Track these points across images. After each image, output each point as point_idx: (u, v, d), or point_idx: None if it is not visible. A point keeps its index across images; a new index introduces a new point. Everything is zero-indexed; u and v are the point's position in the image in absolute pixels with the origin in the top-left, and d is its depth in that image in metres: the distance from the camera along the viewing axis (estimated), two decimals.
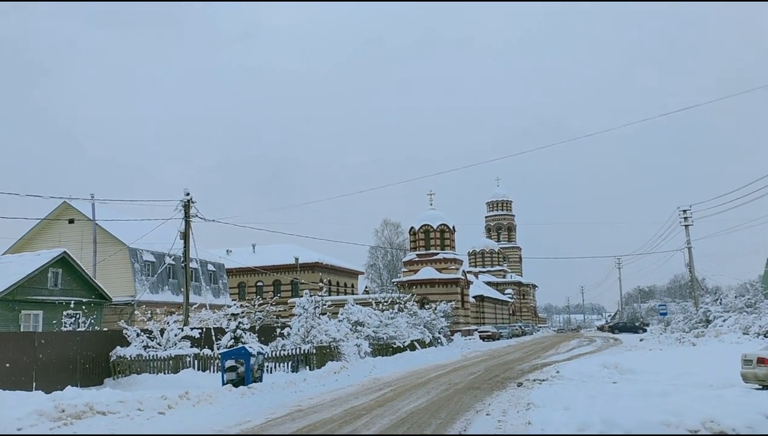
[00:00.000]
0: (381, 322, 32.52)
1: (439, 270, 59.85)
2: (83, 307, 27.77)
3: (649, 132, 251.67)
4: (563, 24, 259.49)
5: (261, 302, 44.25)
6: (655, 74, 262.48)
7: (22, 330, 25.32)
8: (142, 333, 22.08)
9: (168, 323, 22.94)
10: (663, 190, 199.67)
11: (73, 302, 27.35)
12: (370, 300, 40.38)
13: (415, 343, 34.50)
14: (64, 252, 28.46)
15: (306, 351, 22.52)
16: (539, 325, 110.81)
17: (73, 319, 27.53)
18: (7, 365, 17.43)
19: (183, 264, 25.77)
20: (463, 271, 63.61)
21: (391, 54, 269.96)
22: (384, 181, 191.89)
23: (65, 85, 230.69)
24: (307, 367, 21.93)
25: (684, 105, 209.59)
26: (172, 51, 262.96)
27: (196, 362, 20.97)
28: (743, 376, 14.52)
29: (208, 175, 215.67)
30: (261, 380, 18.32)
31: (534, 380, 18.33)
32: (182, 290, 27.11)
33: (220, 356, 18.87)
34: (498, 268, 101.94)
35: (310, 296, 25.75)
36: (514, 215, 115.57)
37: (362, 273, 78.36)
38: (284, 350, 22.65)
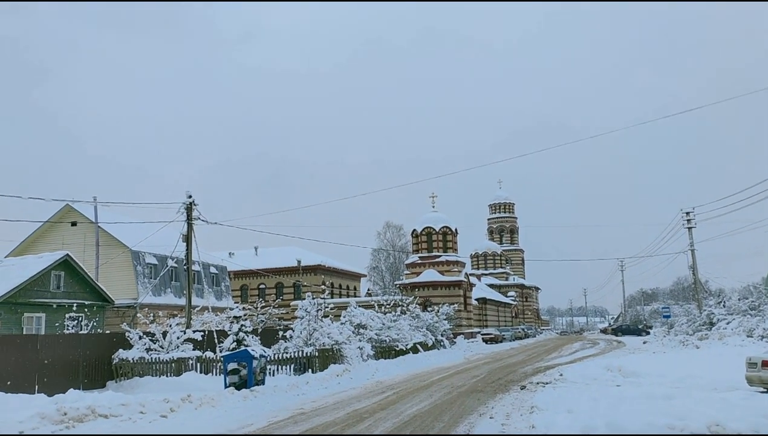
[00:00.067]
0: (383, 324, 32.48)
1: (442, 272, 59.78)
2: (86, 310, 27.77)
3: (649, 132, 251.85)
4: (563, 24, 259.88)
5: (263, 304, 44.25)
6: (655, 74, 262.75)
7: (24, 333, 25.33)
8: (145, 336, 22.07)
9: (170, 325, 22.93)
10: (665, 190, 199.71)
11: (75, 304, 27.37)
12: (373, 303, 40.32)
13: (418, 346, 34.44)
14: (67, 255, 28.47)
15: (308, 354, 22.48)
16: (542, 327, 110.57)
17: (76, 322, 27.54)
18: (10, 368, 17.42)
19: (185, 267, 25.76)
20: (466, 273, 63.53)
21: (391, 54, 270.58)
22: (384, 181, 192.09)
23: (66, 86, 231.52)
24: (310, 370, 21.88)
25: (683, 104, 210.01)
26: (173, 51, 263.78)
27: (198, 364, 20.95)
28: (748, 379, 14.44)
29: (208, 176, 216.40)
30: (263, 383, 18.29)
31: (537, 383, 18.26)
32: (185, 292, 27.10)
33: (222, 358, 18.84)
34: (500, 270, 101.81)
35: (313, 298, 25.72)
36: (516, 217, 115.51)
37: (365, 276, 78.31)
38: (287, 353, 22.61)
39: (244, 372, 17.74)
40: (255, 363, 17.99)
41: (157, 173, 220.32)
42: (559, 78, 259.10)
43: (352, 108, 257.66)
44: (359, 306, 33.39)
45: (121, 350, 21.48)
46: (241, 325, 22.22)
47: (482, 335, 58.25)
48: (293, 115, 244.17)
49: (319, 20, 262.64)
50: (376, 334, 30.85)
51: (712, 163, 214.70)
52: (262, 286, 65.54)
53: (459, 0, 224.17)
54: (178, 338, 22.24)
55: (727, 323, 38.56)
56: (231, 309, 26.38)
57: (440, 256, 60.83)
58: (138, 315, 29.96)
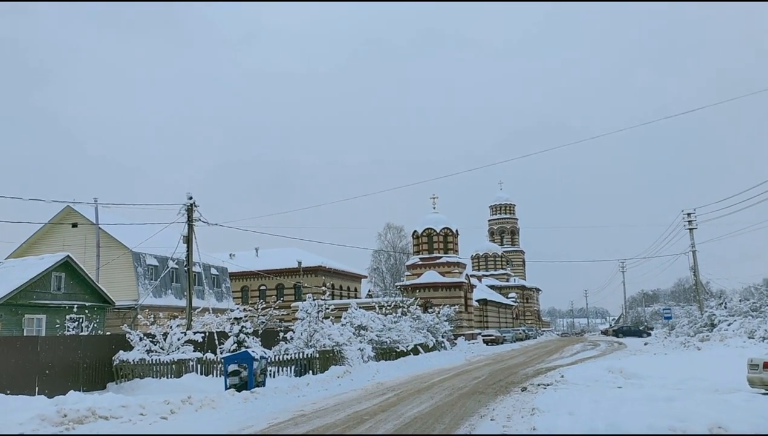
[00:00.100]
0: (384, 326, 32.45)
1: (443, 274, 59.74)
2: (86, 311, 27.77)
3: (650, 132, 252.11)
4: (563, 24, 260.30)
5: (264, 305, 44.12)
6: (654, 74, 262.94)
7: (25, 334, 25.34)
8: (145, 337, 22.05)
9: (171, 327, 22.92)
10: (666, 191, 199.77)
11: (76, 306, 27.36)
12: (374, 304, 40.28)
13: (419, 347, 34.41)
14: (68, 256, 28.49)
15: (309, 355, 22.45)
16: (543, 329, 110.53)
17: (77, 323, 27.53)
18: (10, 369, 17.41)
19: (186, 268, 25.75)
20: (467, 274, 63.49)
21: (391, 54, 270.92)
22: (384, 182, 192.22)
23: (66, 87, 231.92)
24: (311, 371, 21.85)
25: (684, 104, 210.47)
26: (173, 52, 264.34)
27: (199, 366, 20.93)
28: (750, 381, 14.39)
29: (208, 177, 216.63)
30: (264, 385, 18.26)
31: (538, 385, 18.22)
32: (185, 293, 27.09)
33: (222, 360, 18.81)
34: (501, 271, 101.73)
35: (313, 299, 25.69)
36: (517, 219, 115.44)
37: (365, 277, 78.32)
38: (287, 355, 22.57)
39: (244, 374, 17.72)
40: (255, 365, 17.96)
41: (156, 174, 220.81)
42: (559, 78, 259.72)
43: (352, 109, 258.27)
44: (360, 307, 33.35)
45: (121, 352, 21.47)
46: (242, 326, 22.18)
47: (483, 336, 58.22)
48: (293, 116, 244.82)
49: (319, 21, 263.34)
50: (376, 335, 30.81)
51: (712, 164, 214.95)
52: (262, 287, 65.52)
53: (459, 0, 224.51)
54: (178, 339, 22.23)
55: (729, 325, 38.50)
56: (232, 310, 26.35)
57: (441, 257, 60.80)
58: (138, 316, 29.90)
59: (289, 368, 21.90)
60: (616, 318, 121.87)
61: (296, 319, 26.06)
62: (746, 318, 37.81)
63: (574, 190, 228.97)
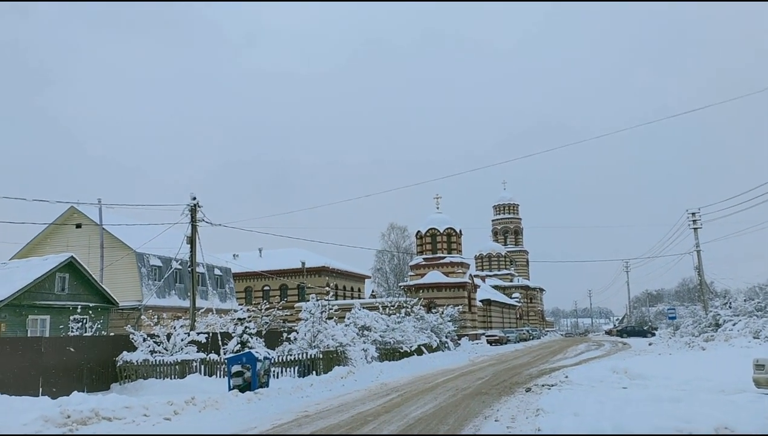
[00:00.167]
0: (388, 326, 32.41)
1: (446, 274, 59.68)
2: (90, 312, 27.78)
3: (652, 132, 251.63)
4: (563, 24, 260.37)
5: (267, 306, 44.14)
6: (655, 74, 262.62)
7: (29, 335, 25.36)
8: (149, 338, 22.05)
9: (174, 327, 22.91)
10: (669, 190, 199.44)
11: (80, 306, 27.38)
12: (377, 304, 40.25)
13: (423, 347, 34.36)
14: (71, 257, 28.51)
15: (313, 356, 22.42)
16: (547, 329, 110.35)
17: (80, 324, 27.56)
18: (14, 370, 17.43)
19: (189, 268, 25.75)
20: (470, 275, 63.42)
21: (391, 54, 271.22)
22: (385, 181, 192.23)
23: (67, 88, 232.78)
24: (314, 372, 21.83)
25: (684, 104, 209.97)
26: (174, 53, 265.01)
27: (202, 366, 20.92)
28: (755, 381, 14.30)
29: (209, 178, 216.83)
30: (267, 385, 18.23)
31: (543, 385, 18.16)
32: (189, 294, 27.09)
33: (226, 361, 18.79)
34: (505, 271, 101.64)
35: (317, 300, 25.67)
36: (520, 218, 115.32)
37: (369, 277, 78.33)
38: (291, 355, 22.55)
39: (248, 374, 17.69)
40: (259, 365, 17.94)
41: (156, 175, 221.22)
42: (559, 78, 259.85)
43: (352, 109, 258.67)
44: (363, 308, 33.33)
45: (125, 352, 21.46)
46: (245, 327, 22.18)
47: (487, 336, 58.15)
48: (293, 116, 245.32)
49: (319, 21, 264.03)
50: (380, 336, 30.77)
51: (713, 164, 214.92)
52: (266, 288, 65.55)
53: (459, 0, 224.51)
54: (182, 340, 22.22)
55: (733, 325, 38.36)
56: (235, 311, 26.33)
57: (444, 257, 60.73)
58: (142, 317, 29.97)
59: (292, 368, 21.89)
60: (620, 318, 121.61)
61: (300, 319, 26.05)
62: (751, 318, 37.67)
63: (575, 191, 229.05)
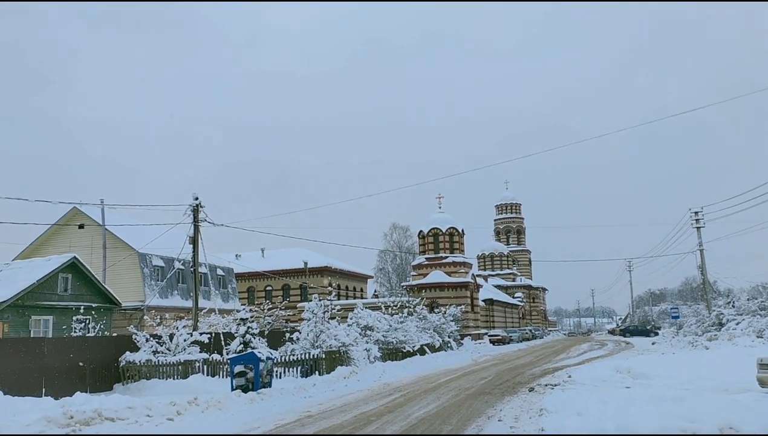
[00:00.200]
0: (390, 326, 32.38)
1: (449, 274, 59.64)
2: (93, 312, 27.82)
3: (651, 132, 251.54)
4: (563, 24, 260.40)
5: (270, 306, 44.23)
6: (655, 74, 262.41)
7: (32, 335, 25.39)
8: (152, 338, 22.06)
9: (177, 327, 22.93)
10: (669, 189, 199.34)
11: (83, 307, 27.42)
12: (380, 304, 40.22)
13: (425, 347, 34.32)
14: (74, 257, 28.54)
15: (315, 356, 22.41)
16: (549, 328, 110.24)
17: (83, 324, 27.59)
18: (17, 370, 17.45)
19: (192, 269, 25.75)
20: (473, 274, 63.36)
21: (392, 54, 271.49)
22: (386, 181, 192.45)
23: (69, 89, 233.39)
24: (317, 372, 21.81)
25: (684, 104, 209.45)
26: (175, 54, 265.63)
27: (205, 367, 20.91)
28: (760, 381, 14.25)
29: (209, 177, 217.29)
30: (270, 386, 18.22)
31: (546, 385, 18.11)
32: (191, 294, 27.09)
33: (229, 361, 18.79)
34: (507, 271, 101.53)
35: (319, 300, 25.65)
36: (523, 218, 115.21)
37: (371, 277, 78.30)
38: (293, 355, 22.54)
39: (250, 375, 17.68)
40: (262, 365, 17.93)
41: (157, 175, 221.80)
42: (560, 78, 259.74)
43: (353, 109, 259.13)
44: (366, 308, 33.28)
45: (128, 353, 21.48)
46: (248, 327, 22.18)
47: (489, 336, 58.08)
48: (293, 116, 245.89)
49: (319, 22, 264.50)
50: (383, 335, 30.74)
51: (714, 163, 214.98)
52: (268, 288, 65.56)
53: (459, 0, 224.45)
54: (185, 340, 22.22)
55: (737, 324, 38.23)
56: (238, 311, 26.35)
57: (447, 257, 60.69)
58: (145, 317, 29.99)
59: (295, 368, 21.87)
60: (623, 317, 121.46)
61: (302, 319, 26.03)
62: (755, 317, 37.53)
63: (576, 190, 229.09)
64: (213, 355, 21.49)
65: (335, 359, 23.39)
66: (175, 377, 20.62)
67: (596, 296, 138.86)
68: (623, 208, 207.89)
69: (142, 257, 37.52)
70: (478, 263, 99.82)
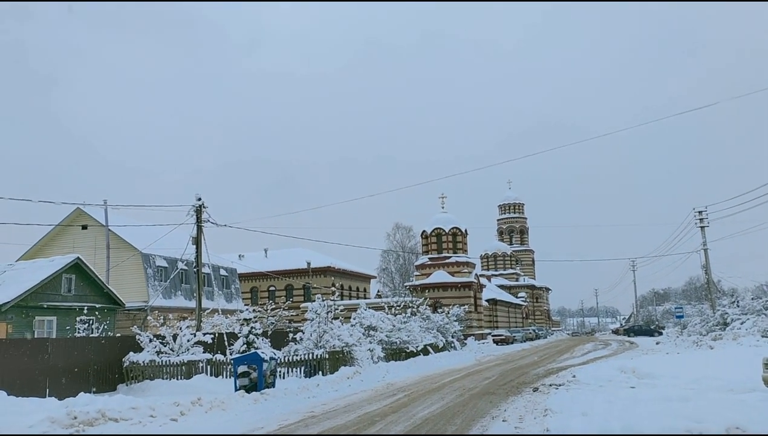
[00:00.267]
0: (394, 326, 32.32)
1: (452, 274, 59.58)
2: (96, 313, 27.85)
3: (651, 132, 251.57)
4: (563, 24, 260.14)
5: (273, 306, 44.18)
6: (654, 74, 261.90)
7: (35, 336, 25.39)
8: (155, 339, 22.05)
9: (181, 328, 22.92)
10: (670, 188, 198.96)
11: (86, 307, 27.43)
12: (383, 304, 40.19)
13: (429, 347, 34.26)
14: (78, 258, 28.56)
15: (319, 356, 22.37)
16: (553, 328, 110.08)
17: (87, 325, 27.61)
18: (21, 371, 17.44)
19: (195, 269, 25.74)
20: (476, 274, 63.31)
21: (392, 55, 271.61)
22: (386, 181, 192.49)
23: (71, 89, 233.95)
24: (320, 372, 21.77)
25: (684, 103, 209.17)
26: (175, 54, 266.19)
27: (208, 367, 20.90)
28: (765, 380, 14.14)
29: (210, 177, 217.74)
30: (274, 386, 18.19)
31: (550, 385, 18.05)
32: (195, 295, 27.09)
33: (232, 361, 18.75)
34: (511, 271, 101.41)
35: (323, 300, 25.61)
36: (526, 218, 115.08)
37: (374, 277, 78.22)
38: (297, 356, 22.51)
39: (254, 375, 17.65)
40: (265, 366, 17.90)
41: (158, 175, 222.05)
42: (560, 78, 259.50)
43: (354, 109, 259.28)
44: (369, 308, 33.23)
45: (131, 353, 21.48)
46: (251, 327, 22.13)
47: (493, 336, 58.00)
48: (294, 116, 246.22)
49: (319, 22, 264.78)
50: (386, 336, 30.69)
51: (713, 163, 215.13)
52: (272, 288, 65.57)
53: (459, 0, 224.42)
54: (188, 340, 22.22)
55: (741, 323, 38.11)
56: (241, 311, 26.33)
57: (450, 257, 60.64)
58: (148, 318, 30.01)
59: (298, 369, 21.84)
60: (627, 317, 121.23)
61: (305, 320, 26.00)
62: (759, 317, 37.39)
63: (578, 190, 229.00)
64: (216, 355, 21.47)
65: (339, 359, 23.36)
66: (179, 377, 20.61)
67: (600, 296, 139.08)
68: (625, 208, 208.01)
69: (145, 258, 37.53)
70: (481, 263, 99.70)
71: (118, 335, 26.75)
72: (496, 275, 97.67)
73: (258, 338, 21.85)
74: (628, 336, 67.60)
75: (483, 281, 71.69)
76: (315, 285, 60.54)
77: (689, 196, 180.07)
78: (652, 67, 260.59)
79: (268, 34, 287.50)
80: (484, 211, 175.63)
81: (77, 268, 28.52)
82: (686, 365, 21.41)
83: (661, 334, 62.74)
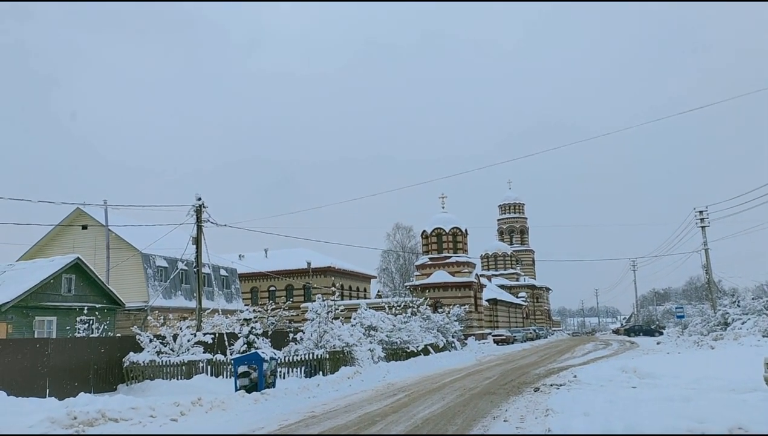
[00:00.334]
0: (394, 326, 32.29)
1: (452, 274, 59.54)
2: (96, 313, 27.81)
3: (651, 132, 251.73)
4: (563, 24, 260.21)
5: (274, 306, 44.08)
6: (654, 74, 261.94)
7: (35, 336, 25.36)
8: (155, 339, 22.01)
9: (181, 328, 22.88)
10: (671, 188, 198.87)
11: (86, 307, 27.39)
12: (383, 304, 40.15)
13: (429, 347, 34.23)
14: (78, 258, 28.52)
15: (319, 356, 22.34)
16: (553, 328, 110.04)
17: (87, 325, 27.56)
18: (21, 371, 17.40)
19: (195, 269, 25.70)
20: (476, 274, 63.27)
21: (392, 55, 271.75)
22: (390, 181, 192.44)
23: (72, 90, 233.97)
24: (321, 372, 21.74)
25: (684, 102, 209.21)
26: (176, 55, 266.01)
27: (209, 367, 20.86)
28: (767, 380, 14.12)
29: (210, 177, 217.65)
30: (274, 386, 18.16)
31: (551, 385, 18.01)
32: (195, 295, 27.06)
33: (233, 361, 18.71)
34: (511, 271, 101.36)
35: (323, 300, 25.58)
36: (526, 218, 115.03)
37: (375, 277, 78.17)
38: (297, 356, 22.47)
39: (254, 375, 17.62)
40: (265, 366, 17.86)
41: (161, 176, 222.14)
42: (560, 78, 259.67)
43: (354, 109, 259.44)
44: (370, 308, 33.21)
45: (131, 353, 21.44)
46: (252, 327, 22.08)
47: (493, 336, 57.97)
48: (294, 116, 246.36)
49: (320, 23, 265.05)
50: (386, 336, 30.66)
51: (713, 163, 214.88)
52: (272, 288, 65.54)
53: (459, 0, 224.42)
54: (188, 340, 22.17)
55: (742, 323, 38.06)
56: (241, 311, 26.29)
57: (450, 257, 60.60)
58: (148, 318, 29.98)
59: (299, 369, 21.80)
60: (627, 317, 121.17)
61: (306, 320, 25.97)
62: (760, 316, 37.35)
63: (578, 190, 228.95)
64: (217, 355, 21.43)
65: (339, 359, 23.32)
66: (179, 377, 20.57)
67: (600, 296, 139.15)
68: (625, 208, 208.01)
69: (145, 258, 37.50)
70: (482, 262, 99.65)
71: (119, 335, 26.72)
72: (496, 275, 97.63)
73: (258, 338, 21.80)
74: (629, 336, 67.58)
75: (483, 281, 71.66)
76: (315, 285, 60.51)
77: (690, 195, 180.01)
78: (652, 67, 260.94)
79: (268, 34, 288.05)
80: (484, 211, 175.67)
81: (77, 268, 28.49)
82: (687, 365, 21.37)
83: (661, 334, 62.71)
